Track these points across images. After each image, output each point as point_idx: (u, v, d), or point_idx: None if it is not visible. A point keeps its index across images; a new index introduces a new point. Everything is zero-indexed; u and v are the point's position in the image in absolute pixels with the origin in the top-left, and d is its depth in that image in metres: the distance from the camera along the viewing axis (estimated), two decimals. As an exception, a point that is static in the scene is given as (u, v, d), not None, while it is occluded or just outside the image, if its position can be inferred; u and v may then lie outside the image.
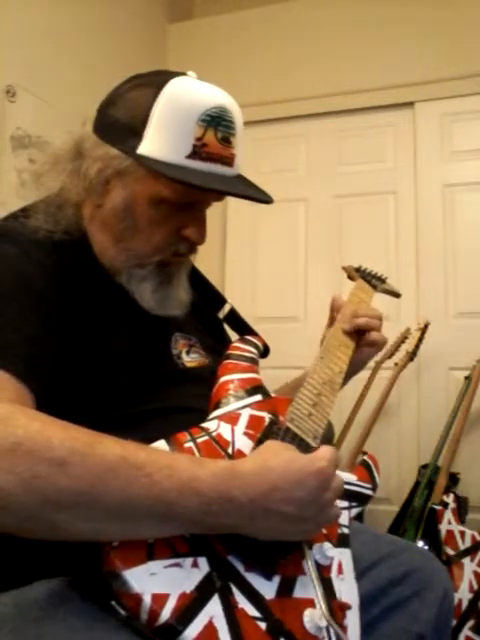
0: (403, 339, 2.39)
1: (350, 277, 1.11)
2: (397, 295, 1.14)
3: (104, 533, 0.58)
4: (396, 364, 2.36)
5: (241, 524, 0.61)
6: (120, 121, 0.78)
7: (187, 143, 0.75)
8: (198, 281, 0.97)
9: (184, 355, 0.86)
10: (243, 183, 0.83)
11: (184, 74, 0.80)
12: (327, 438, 0.82)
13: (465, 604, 1.73)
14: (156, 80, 0.78)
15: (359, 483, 0.83)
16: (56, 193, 0.83)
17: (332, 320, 1.01)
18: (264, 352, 0.94)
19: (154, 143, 0.76)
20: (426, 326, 2.37)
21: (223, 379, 0.81)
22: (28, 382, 0.65)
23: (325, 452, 0.64)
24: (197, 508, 0.58)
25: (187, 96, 0.77)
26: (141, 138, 0.76)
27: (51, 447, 0.55)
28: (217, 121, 0.77)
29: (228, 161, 0.79)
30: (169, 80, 0.77)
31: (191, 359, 0.87)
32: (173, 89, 0.77)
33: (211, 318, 1.00)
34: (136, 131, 0.76)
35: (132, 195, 0.79)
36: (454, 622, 1.67)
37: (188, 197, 0.79)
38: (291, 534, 0.64)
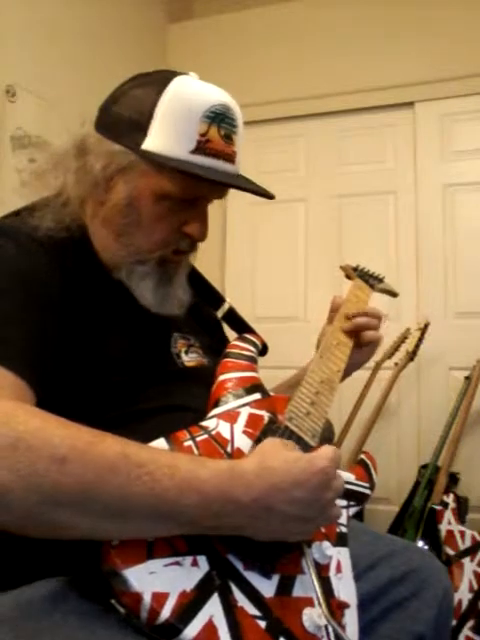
0: (403, 339, 2.39)
1: (348, 276, 1.11)
2: (394, 294, 1.14)
3: (103, 531, 0.58)
4: (396, 364, 2.36)
5: (242, 525, 0.61)
6: (124, 117, 0.79)
7: (191, 138, 0.77)
8: (197, 281, 0.98)
9: (183, 355, 0.86)
10: (244, 180, 0.84)
11: (186, 74, 0.81)
12: (327, 438, 0.82)
13: (465, 604, 1.73)
14: (160, 78, 0.80)
15: (357, 482, 0.84)
16: (56, 193, 0.83)
17: (331, 319, 1.01)
18: (263, 350, 0.94)
19: (158, 138, 0.77)
20: (426, 326, 2.37)
21: (222, 377, 0.81)
22: (28, 379, 0.65)
23: (327, 451, 0.64)
24: (198, 508, 0.58)
25: (191, 93, 0.78)
26: (145, 134, 0.77)
27: (52, 444, 0.55)
28: (221, 118, 0.79)
29: (230, 158, 0.81)
30: (173, 78, 0.79)
31: (190, 359, 0.87)
32: (177, 86, 0.78)
33: (210, 318, 1.00)
34: (140, 127, 0.77)
35: (136, 190, 0.80)
36: (454, 622, 1.67)
37: (191, 192, 0.80)
38: (292, 535, 0.64)
